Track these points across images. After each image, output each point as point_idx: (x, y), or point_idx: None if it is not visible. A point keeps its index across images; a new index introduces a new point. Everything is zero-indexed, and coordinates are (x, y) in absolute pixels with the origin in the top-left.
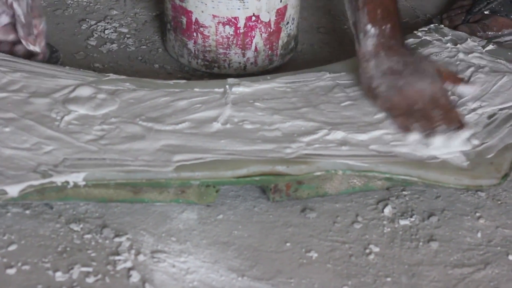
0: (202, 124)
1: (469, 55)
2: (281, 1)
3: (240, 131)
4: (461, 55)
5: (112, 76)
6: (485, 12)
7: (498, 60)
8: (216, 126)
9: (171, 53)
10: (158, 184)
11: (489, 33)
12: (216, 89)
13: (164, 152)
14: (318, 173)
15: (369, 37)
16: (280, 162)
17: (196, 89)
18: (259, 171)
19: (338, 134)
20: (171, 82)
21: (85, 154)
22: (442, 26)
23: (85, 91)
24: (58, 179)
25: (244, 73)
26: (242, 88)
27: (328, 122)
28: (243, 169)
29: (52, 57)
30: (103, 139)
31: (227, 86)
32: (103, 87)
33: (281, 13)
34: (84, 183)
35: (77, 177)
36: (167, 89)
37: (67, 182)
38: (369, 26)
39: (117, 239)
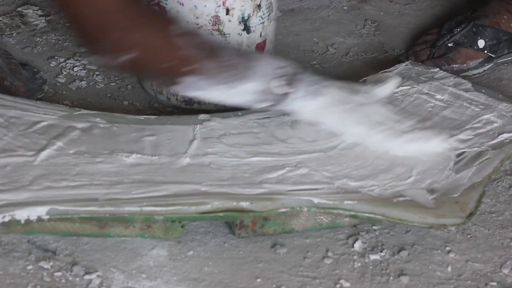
0: (168, 159)
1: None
2: (260, 36)
3: (205, 166)
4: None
5: (83, 111)
6: (449, 45)
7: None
8: (183, 161)
9: (148, 90)
10: (122, 219)
11: (454, 66)
12: (186, 125)
13: (129, 187)
14: (283, 210)
15: None
16: (244, 198)
17: (167, 125)
18: (223, 207)
19: (303, 170)
20: (142, 117)
21: (54, 190)
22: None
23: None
24: (22, 214)
25: (224, 108)
26: (212, 123)
27: (294, 157)
28: (207, 205)
29: (36, 77)
30: (73, 174)
31: (196, 123)
32: (74, 124)
33: (260, 48)
34: (48, 217)
35: (41, 212)
36: (137, 125)
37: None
38: None
39: (87, 277)
